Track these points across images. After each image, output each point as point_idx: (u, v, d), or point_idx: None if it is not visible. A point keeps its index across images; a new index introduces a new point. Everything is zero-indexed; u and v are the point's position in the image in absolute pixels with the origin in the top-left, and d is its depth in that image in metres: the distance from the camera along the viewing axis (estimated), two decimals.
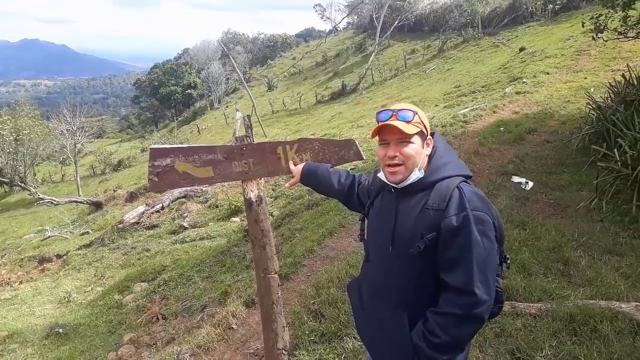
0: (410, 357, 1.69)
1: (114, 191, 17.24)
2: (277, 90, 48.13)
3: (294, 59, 62.05)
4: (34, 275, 10.75)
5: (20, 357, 5.90)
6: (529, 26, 27.17)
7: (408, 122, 1.71)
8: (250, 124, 2.67)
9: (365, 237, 1.96)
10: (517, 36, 25.84)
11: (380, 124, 1.74)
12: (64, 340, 6.06)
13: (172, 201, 12.20)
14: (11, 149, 17.89)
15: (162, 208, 11.97)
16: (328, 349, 3.33)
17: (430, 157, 1.79)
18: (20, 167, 18.41)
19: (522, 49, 19.48)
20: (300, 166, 2.37)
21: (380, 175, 1.84)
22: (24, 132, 18.47)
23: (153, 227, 11.26)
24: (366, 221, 1.98)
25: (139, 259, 9.33)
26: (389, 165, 1.75)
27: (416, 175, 1.74)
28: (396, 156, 1.73)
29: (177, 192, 12.33)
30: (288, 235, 6.56)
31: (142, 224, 11.52)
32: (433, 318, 1.63)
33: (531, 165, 7.03)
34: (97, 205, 16.60)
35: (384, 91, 27.15)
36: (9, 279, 10.76)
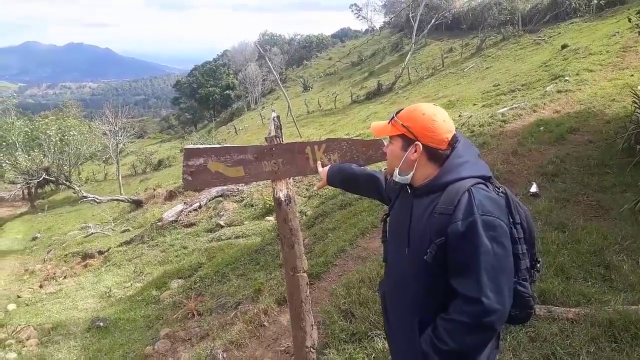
0: None
1: (154, 190, 17.74)
2: (312, 90, 48.31)
3: (329, 59, 62.17)
4: (77, 271, 11.20)
5: (63, 349, 6.17)
6: (572, 22, 26.20)
7: (386, 123, 1.81)
8: (280, 124, 2.70)
9: (387, 239, 1.96)
10: (559, 33, 24.97)
11: None
12: (104, 334, 6.29)
13: (210, 200, 12.46)
14: (57, 149, 18.69)
15: (200, 207, 12.23)
16: (358, 349, 3.34)
17: (447, 157, 1.76)
18: (65, 166, 19.19)
19: (564, 46, 18.83)
20: (326, 169, 2.39)
21: None
22: (69, 132, 19.26)
23: (191, 225, 11.52)
24: (388, 221, 1.97)
25: (176, 256, 9.57)
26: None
27: (397, 176, 1.78)
28: (385, 153, 1.90)
29: (214, 191, 12.59)
30: (321, 234, 6.59)
31: (181, 222, 11.81)
32: (441, 325, 1.60)
33: (572, 166, 6.78)
34: (137, 204, 17.12)
35: (420, 90, 26.83)
36: (54, 273, 11.27)
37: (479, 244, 1.52)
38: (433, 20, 37.34)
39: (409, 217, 1.76)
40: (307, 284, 2.61)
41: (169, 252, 9.98)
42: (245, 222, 10.18)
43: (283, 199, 2.53)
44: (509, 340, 3.10)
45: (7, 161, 17.48)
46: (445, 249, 1.59)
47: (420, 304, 1.71)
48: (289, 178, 2.60)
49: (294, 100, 40.59)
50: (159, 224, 11.94)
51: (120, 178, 25.91)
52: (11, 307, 8.72)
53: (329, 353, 3.37)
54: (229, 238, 9.25)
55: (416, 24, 34.76)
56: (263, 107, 47.41)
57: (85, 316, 7.24)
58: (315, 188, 11.10)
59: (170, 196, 16.21)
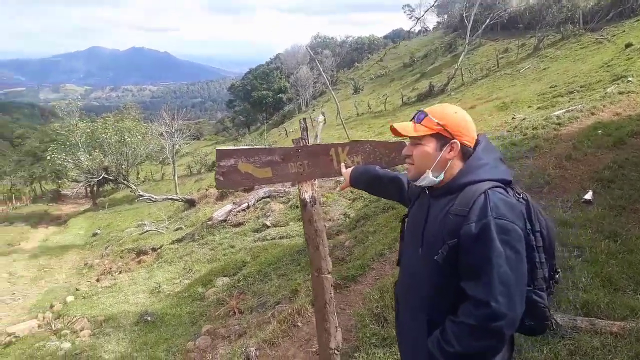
0: None
1: (206, 190, 18.28)
2: (362, 92, 48.19)
3: (380, 61, 61.85)
4: (131, 266, 11.74)
5: (113, 340, 6.49)
6: (638, 20, 24.71)
7: (416, 123, 1.73)
8: (306, 126, 2.72)
9: (404, 239, 1.95)
10: (624, 31, 23.58)
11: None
12: (151, 328, 6.56)
13: (257, 200, 12.69)
14: (115, 149, 19.67)
15: (248, 207, 12.49)
16: (388, 354, 3.31)
17: (467, 158, 1.73)
18: (123, 166, 20.13)
19: (628, 45, 17.77)
20: (350, 170, 2.40)
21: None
22: (127, 134, 20.23)
23: (239, 224, 11.78)
24: (406, 222, 1.96)
25: (224, 254, 9.81)
26: (406, 163, 1.81)
27: (429, 178, 1.72)
28: (408, 155, 1.78)
29: (261, 192, 12.83)
30: (361, 237, 6.57)
31: (229, 221, 12.11)
32: (449, 327, 1.58)
33: (631, 172, 6.39)
34: (190, 203, 17.70)
35: (473, 92, 26.15)
36: (111, 268, 11.87)
37: (491, 247, 1.50)
38: (488, 20, 36.24)
39: (424, 218, 1.75)
40: (331, 285, 2.62)
41: (217, 250, 10.25)
42: (290, 223, 10.29)
43: (308, 200, 2.56)
44: (545, 352, 2.97)
45: (70, 160, 18.59)
46: (458, 250, 1.58)
47: (430, 305, 1.70)
48: (314, 179, 2.63)
49: (344, 103, 40.62)
50: (209, 223, 12.29)
51: (176, 178, 26.86)
52: (69, 299, 9.26)
53: (359, 357, 3.36)
54: (274, 238, 9.39)
55: (470, 24, 33.88)
56: (313, 110, 47.80)
57: (135, 310, 7.56)
58: (338, 189, 11.19)
59: (222, 196, 16.64)
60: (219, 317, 5.99)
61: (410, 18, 66.23)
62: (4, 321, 9.62)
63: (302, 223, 8.70)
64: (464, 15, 37.97)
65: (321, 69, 28.03)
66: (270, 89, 62.66)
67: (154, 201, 17.96)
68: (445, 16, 59.18)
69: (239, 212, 12.42)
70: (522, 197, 1.69)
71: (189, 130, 30.33)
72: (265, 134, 42.76)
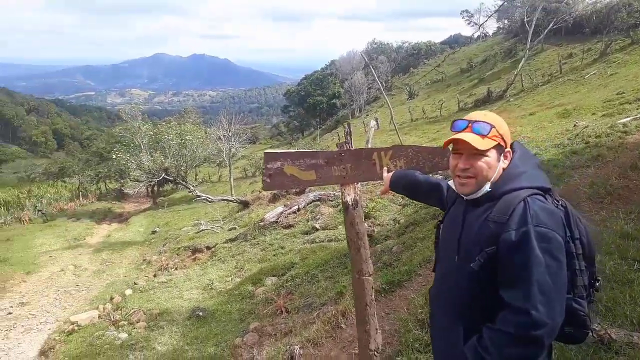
0: None
1: (259, 192, 18.69)
2: (417, 98, 47.60)
3: (437, 66, 60.85)
4: (187, 263, 12.20)
5: (166, 333, 6.81)
6: None
7: (483, 136, 1.68)
8: (350, 130, 2.79)
9: (439, 245, 1.96)
10: None
11: (453, 136, 1.73)
12: (202, 323, 6.82)
13: (308, 204, 12.86)
14: (175, 152, 20.54)
15: (298, 210, 12.69)
16: (429, 359, 3.30)
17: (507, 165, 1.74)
18: (182, 167, 20.98)
19: None
20: (390, 174, 2.44)
21: (452, 184, 1.83)
22: (186, 137, 21.09)
23: (289, 226, 11.99)
24: (441, 229, 1.98)
25: (274, 255, 10.02)
26: (459, 177, 1.74)
27: (485, 189, 1.70)
28: (467, 169, 1.71)
29: (312, 195, 12.99)
30: (409, 243, 6.54)
31: (280, 223, 12.34)
32: (487, 334, 1.57)
33: None
34: (244, 204, 18.17)
35: (534, 98, 25.20)
36: (167, 265, 12.39)
37: (531, 255, 1.50)
38: (551, 25, 34.79)
39: (460, 225, 1.76)
40: (372, 287, 2.67)
41: (267, 250, 10.49)
42: (340, 227, 10.36)
43: (350, 203, 2.62)
44: None
45: (133, 161, 19.59)
46: (496, 258, 1.58)
47: (465, 312, 1.70)
48: (357, 183, 2.69)
49: (399, 108, 40.29)
50: (261, 224, 12.58)
51: (232, 180, 27.60)
52: (128, 292, 9.76)
53: None
54: (322, 241, 9.50)
55: (532, 29, 32.71)
56: (367, 115, 47.67)
57: (188, 305, 7.88)
58: (379, 193, 11.11)
59: (274, 199, 16.97)
60: (267, 315, 6.14)
61: (468, 24, 64.76)
62: (68, 311, 10.29)
63: None
64: (525, 20, 36.66)
65: (375, 75, 27.97)
66: (325, 94, 63.21)
67: (210, 202, 18.57)
68: (506, 21, 57.34)
69: (289, 214, 12.64)
70: (561, 204, 1.68)
71: (245, 135, 31.13)
72: (318, 139, 43.12)
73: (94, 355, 6.62)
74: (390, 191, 2.49)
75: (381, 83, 36.65)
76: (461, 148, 1.72)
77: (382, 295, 4.87)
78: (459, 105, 33.19)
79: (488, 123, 1.70)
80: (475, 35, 67.82)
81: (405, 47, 77.70)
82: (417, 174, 2.33)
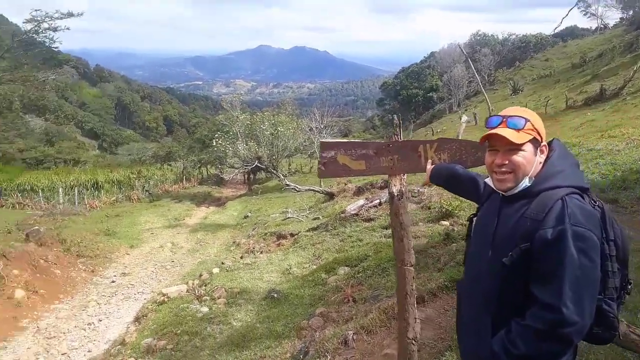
0: None
1: (345, 185, 18.93)
2: (522, 93, 44.85)
3: (546, 60, 56.87)
4: (271, 248, 12.76)
5: (242, 310, 7.26)
6: None
7: (518, 130, 1.69)
8: (400, 123, 2.83)
9: (471, 238, 1.97)
10: None
11: (488, 131, 1.74)
12: (275, 304, 7.16)
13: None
14: (268, 141, 21.40)
15: (380, 204, 12.68)
16: None
17: (544, 164, 1.73)
18: (274, 157, 21.80)
19: None
20: (431, 167, 2.46)
21: (488, 181, 1.84)
22: (279, 128, 21.88)
23: (369, 220, 12.03)
24: (474, 222, 1.98)
25: (351, 246, 10.15)
26: (497, 173, 1.74)
27: (525, 183, 1.70)
28: (505, 164, 1.71)
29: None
30: None
31: (361, 216, 12.43)
32: (516, 328, 1.59)
33: None
34: (330, 196, 18.49)
35: None
36: (253, 248, 13.06)
37: (565, 254, 1.51)
38: None
39: (495, 220, 1.79)
40: (413, 277, 2.70)
41: (346, 242, 10.64)
42: (420, 224, 10.22)
43: (396, 194, 2.68)
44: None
45: (230, 148, 20.75)
46: (529, 254, 1.60)
47: (493, 306, 1.72)
48: (404, 174, 2.73)
49: (501, 104, 38.34)
50: (342, 215, 12.76)
51: None
52: (215, 270, 10.47)
53: (449, 356, 3.36)
54: None
55: None
56: (465, 110, 45.95)
57: (266, 287, 8.29)
58: (420, 185, 10.64)
59: (359, 192, 17.08)
60: (334, 303, 6.31)
61: (585, 15, 59.50)
62: (162, 283, 11.33)
63: (430, 224, 8.66)
64: None
65: (474, 69, 26.91)
66: (421, 87, 61.85)
67: (298, 191, 19.14)
68: (631, 12, 51.86)
69: (370, 207, 12.67)
70: (598, 205, 1.68)
71: (337, 127, 31.51)
72: (412, 134, 42.42)
73: (177, 325, 7.25)
74: (430, 183, 2.52)
75: (483, 77, 35.23)
76: (497, 144, 1.74)
77: (445, 292, 4.82)
78: (566, 103, 30.75)
79: (522, 117, 1.71)
80: (592, 27, 62.24)
81: (511, 40, 73.40)
82: (457, 167, 2.34)
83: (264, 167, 21.05)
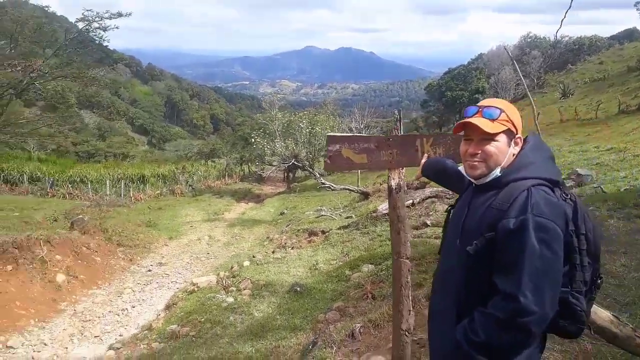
0: (452, 352, 1.70)
1: (380, 185, 18.89)
2: (572, 97, 43.16)
3: (600, 63, 54.42)
4: (302, 244, 12.91)
5: (265, 302, 7.44)
6: None
7: (493, 120, 1.72)
8: (400, 118, 2.87)
9: (447, 230, 2.01)
10: None
11: (463, 120, 1.78)
12: (298, 297, 7.28)
13: (423, 199, 12.69)
14: (305, 139, 21.65)
15: (413, 204, 12.58)
16: None
17: (517, 155, 1.75)
18: (311, 155, 22.03)
19: None
20: (424, 160, 2.49)
21: (461, 169, 1.87)
22: (316, 127, 22.09)
23: None
24: (451, 214, 2.02)
25: (380, 245, 10.15)
26: (469, 161, 1.78)
27: (496, 173, 1.73)
28: (477, 153, 1.75)
29: (428, 191, 12.79)
30: None
31: None
32: (478, 317, 1.62)
33: None
34: (365, 195, 18.48)
35: None
36: (285, 243, 13.25)
37: (526, 244, 1.53)
38: None
39: (465, 210, 1.82)
40: (409, 270, 2.74)
41: (375, 240, 10.64)
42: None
43: (394, 187, 2.73)
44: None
45: (267, 146, 21.15)
46: (494, 244, 1.62)
47: (460, 295, 1.75)
48: (402, 168, 2.77)
49: (549, 107, 37.10)
50: (374, 214, 12.76)
51: (359, 171, 28.18)
52: (246, 263, 10.71)
53: None
54: (429, 237, 9.37)
55: None
56: None
57: (291, 281, 8.42)
58: (413, 178, 10.37)
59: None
60: (353, 298, 6.36)
61: None
62: (196, 274, 11.70)
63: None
64: None
65: (519, 72, 26.13)
66: (467, 89, 60.38)
67: (333, 190, 19.26)
68: None
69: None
70: (570, 198, 1.68)
71: (377, 128, 31.40)
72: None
73: (202, 313, 7.51)
74: (422, 176, 2.55)
75: (532, 80, 34.08)
76: (472, 133, 1.77)
77: None
78: (619, 107, 29.36)
79: (498, 108, 1.74)
80: None
81: (564, 42, 70.60)
82: (447, 161, 2.38)
83: (300, 165, 21.28)
